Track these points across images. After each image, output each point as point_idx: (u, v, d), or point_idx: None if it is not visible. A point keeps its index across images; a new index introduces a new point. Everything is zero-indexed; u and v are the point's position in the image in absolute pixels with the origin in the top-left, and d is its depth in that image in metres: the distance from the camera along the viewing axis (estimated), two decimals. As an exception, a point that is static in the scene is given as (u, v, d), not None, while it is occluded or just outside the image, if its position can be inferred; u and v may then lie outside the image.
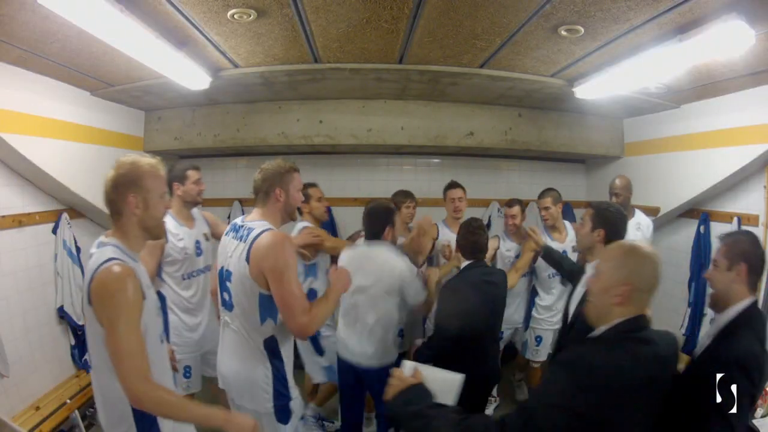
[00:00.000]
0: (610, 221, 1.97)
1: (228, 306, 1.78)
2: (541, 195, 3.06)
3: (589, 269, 2.00)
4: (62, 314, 2.83)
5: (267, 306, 1.69)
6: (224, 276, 1.77)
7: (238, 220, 1.84)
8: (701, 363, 1.38)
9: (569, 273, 2.60)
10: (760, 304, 2.67)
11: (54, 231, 2.83)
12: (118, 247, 1.38)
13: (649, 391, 1.16)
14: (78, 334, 2.94)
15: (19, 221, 2.56)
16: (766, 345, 1.33)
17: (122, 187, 1.38)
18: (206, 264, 2.58)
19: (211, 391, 2.61)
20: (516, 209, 3.09)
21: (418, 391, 1.24)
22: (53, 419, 2.50)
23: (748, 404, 1.26)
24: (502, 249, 3.14)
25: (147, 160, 1.45)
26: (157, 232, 1.49)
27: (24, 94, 2.41)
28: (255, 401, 1.74)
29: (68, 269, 2.82)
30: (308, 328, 1.68)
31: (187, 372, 2.51)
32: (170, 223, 2.41)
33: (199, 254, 2.53)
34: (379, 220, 2.33)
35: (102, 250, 1.37)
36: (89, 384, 2.82)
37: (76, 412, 2.68)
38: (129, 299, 1.29)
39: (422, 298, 2.36)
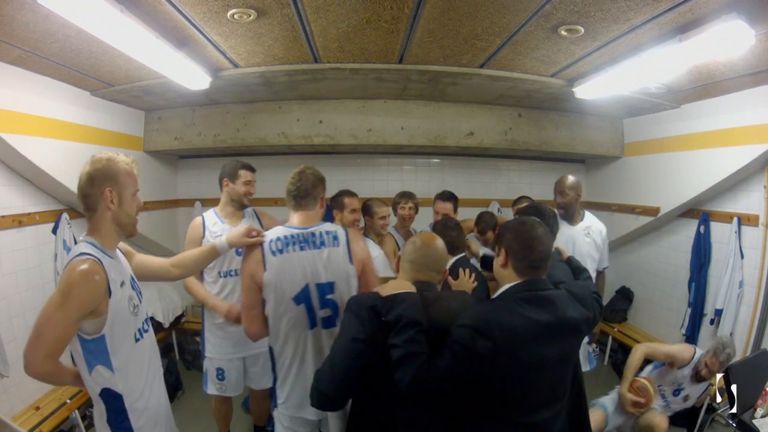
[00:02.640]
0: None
1: (333, 322, 1.71)
2: (515, 203, 3.04)
3: None
4: (62, 314, 2.82)
5: None
6: (323, 291, 1.69)
7: (290, 231, 1.72)
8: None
9: None
10: (759, 303, 2.73)
11: (54, 231, 2.83)
12: (92, 244, 1.40)
13: None
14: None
15: (19, 221, 2.56)
16: (528, 313, 1.30)
17: (99, 181, 1.40)
18: None
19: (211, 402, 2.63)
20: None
21: None
22: (53, 419, 2.49)
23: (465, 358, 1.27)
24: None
25: (123, 158, 1.47)
26: (130, 230, 1.50)
27: (24, 94, 2.41)
28: None
29: (68, 269, 2.81)
30: None
31: (220, 374, 2.46)
32: (210, 218, 2.41)
33: (238, 252, 2.27)
34: None
35: (77, 246, 1.42)
36: (89, 384, 2.83)
37: (76, 412, 2.68)
38: (78, 294, 1.30)
39: None
